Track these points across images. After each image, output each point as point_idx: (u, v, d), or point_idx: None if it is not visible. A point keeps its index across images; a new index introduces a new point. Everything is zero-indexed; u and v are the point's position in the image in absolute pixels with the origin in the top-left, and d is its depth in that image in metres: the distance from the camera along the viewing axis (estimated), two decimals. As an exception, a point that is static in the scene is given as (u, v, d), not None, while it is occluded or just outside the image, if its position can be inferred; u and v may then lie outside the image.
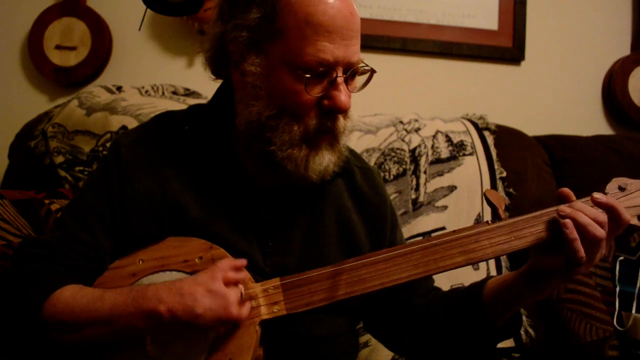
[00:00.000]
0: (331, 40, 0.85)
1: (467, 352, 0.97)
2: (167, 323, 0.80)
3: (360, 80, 0.94)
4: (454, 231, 0.87)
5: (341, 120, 0.91)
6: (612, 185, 0.88)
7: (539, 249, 0.85)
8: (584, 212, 0.81)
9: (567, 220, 0.81)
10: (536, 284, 0.86)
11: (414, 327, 1.01)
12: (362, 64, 0.91)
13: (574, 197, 0.86)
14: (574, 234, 0.80)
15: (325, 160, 0.91)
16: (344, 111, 0.90)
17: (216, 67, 0.97)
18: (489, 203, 0.87)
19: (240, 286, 0.83)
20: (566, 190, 0.86)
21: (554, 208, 0.85)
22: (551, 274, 0.85)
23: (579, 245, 0.79)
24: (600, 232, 0.80)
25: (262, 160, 0.93)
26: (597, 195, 0.84)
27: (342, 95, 0.87)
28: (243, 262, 0.86)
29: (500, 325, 0.92)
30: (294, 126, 0.88)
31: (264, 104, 0.89)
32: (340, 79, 0.87)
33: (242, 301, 0.82)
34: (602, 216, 0.81)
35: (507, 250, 0.84)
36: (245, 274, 0.86)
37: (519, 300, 0.89)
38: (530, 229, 0.84)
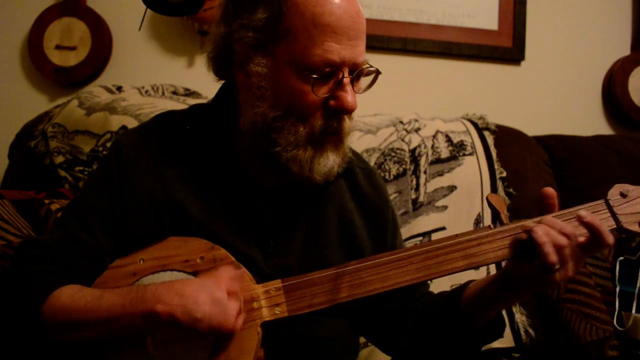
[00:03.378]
0: (338, 41, 0.85)
1: (454, 355, 0.98)
2: (165, 324, 0.79)
3: (365, 81, 0.94)
4: (456, 235, 0.87)
5: (347, 121, 0.91)
6: (614, 192, 0.87)
7: (515, 256, 0.85)
8: (554, 228, 0.81)
9: (537, 227, 0.81)
10: (510, 289, 0.87)
11: (408, 330, 1.01)
12: (368, 65, 0.91)
13: (555, 199, 0.86)
14: (542, 238, 0.79)
15: (330, 161, 0.91)
16: (350, 111, 0.89)
17: (219, 67, 0.97)
18: (492, 207, 0.87)
19: (240, 298, 0.83)
20: (550, 190, 0.85)
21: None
22: (525, 281, 0.85)
23: (548, 248, 0.79)
24: (564, 241, 0.80)
25: (265, 161, 0.93)
26: (583, 213, 0.83)
27: (349, 95, 0.87)
28: (243, 273, 0.86)
29: (481, 328, 0.93)
30: (299, 127, 0.88)
31: (269, 104, 0.89)
32: (346, 80, 0.87)
33: (239, 312, 0.82)
34: (569, 228, 0.81)
35: (509, 255, 0.84)
36: (244, 281, 0.86)
37: (495, 304, 0.90)
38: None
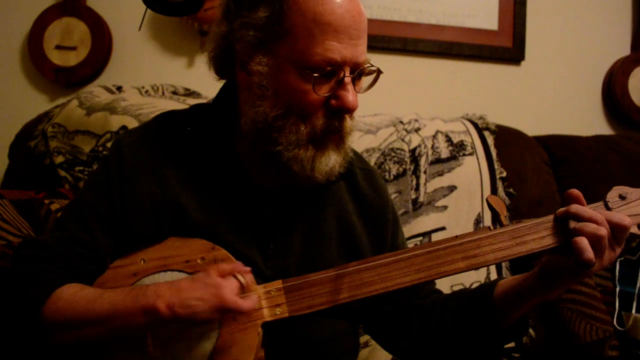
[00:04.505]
0: (339, 40, 0.85)
1: (471, 353, 0.97)
2: (167, 320, 0.79)
3: (366, 80, 0.94)
4: (457, 236, 0.87)
5: (348, 121, 0.91)
6: (613, 194, 0.87)
7: (549, 251, 0.84)
8: (588, 218, 0.81)
9: (576, 225, 0.80)
10: (548, 283, 0.86)
11: (415, 328, 1.01)
12: (369, 64, 0.90)
13: (583, 200, 0.85)
14: (583, 240, 0.79)
15: (332, 160, 0.91)
16: (351, 111, 0.89)
17: (220, 66, 0.96)
18: (491, 209, 0.87)
19: (240, 276, 0.82)
20: (576, 192, 0.85)
21: (553, 215, 0.84)
22: (562, 274, 0.84)
23: (586, 244, 0.78)
24: (602, 231, 0.79)
25: (266, 161, 0.93)
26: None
27: (350, 94, 0.87)
28: (247, 269, 0.85)
29: (508, 326, 0.92)
30: (300, 126, 0.88)
31: (270, 103, 0.89)
32: (347, 79, 0.87)
33: (243, 291, 0.82)
34: (599, 216, 0.81)
35: (509, 256, 0.84)
36: (246, 272, 0.85)
37: (531, 299, 0.89)
38: (532, 235, 0.84)
